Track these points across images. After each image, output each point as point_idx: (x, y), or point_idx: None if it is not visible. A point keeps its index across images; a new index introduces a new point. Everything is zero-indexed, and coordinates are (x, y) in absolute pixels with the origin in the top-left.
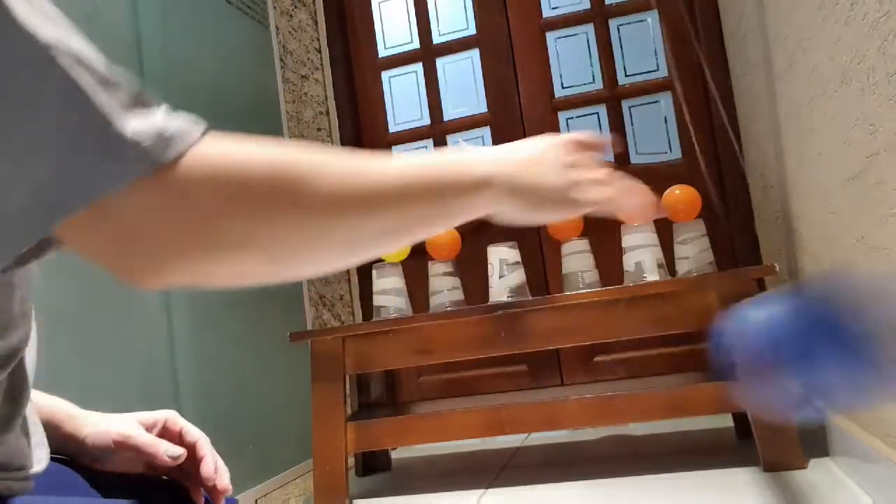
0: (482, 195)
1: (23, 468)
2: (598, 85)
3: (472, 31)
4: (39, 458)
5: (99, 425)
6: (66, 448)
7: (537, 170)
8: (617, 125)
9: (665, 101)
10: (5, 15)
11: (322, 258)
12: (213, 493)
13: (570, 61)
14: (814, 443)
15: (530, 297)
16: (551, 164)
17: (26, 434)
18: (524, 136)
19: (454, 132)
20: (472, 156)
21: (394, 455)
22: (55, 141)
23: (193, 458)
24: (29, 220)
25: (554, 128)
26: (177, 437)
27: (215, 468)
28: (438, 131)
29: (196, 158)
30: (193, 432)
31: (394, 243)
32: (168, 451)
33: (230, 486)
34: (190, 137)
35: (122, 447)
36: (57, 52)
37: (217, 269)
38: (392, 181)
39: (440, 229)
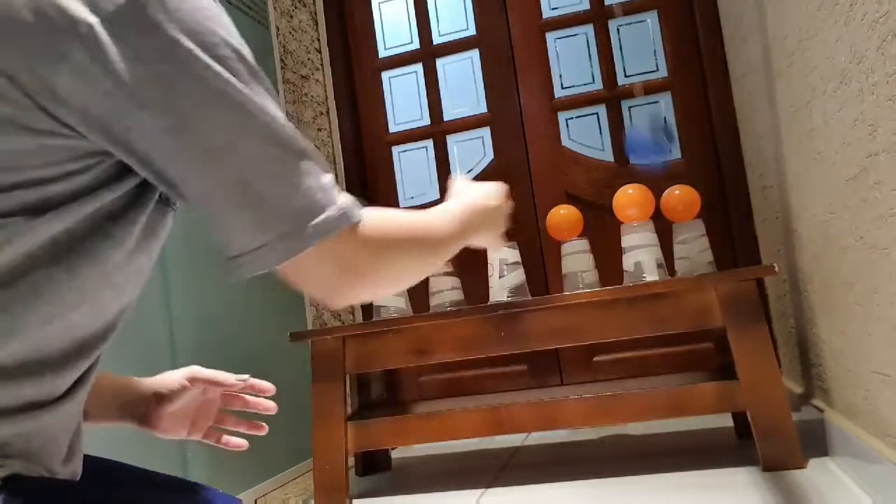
0: (475, 238)
1: (50, 471)
2: (598, 85)
3: (472, 31)
4: (73, 469)
5: (156, 379)
6: (129, 406)
7: (491, 214)
8: (616, 125)
9: (665, 101)
10: (271, 122)
11: (416, 278)
12: (249, 426)
13: (570, 62)
14: (813, 442)
15: (530, 297)
16: (500, 210)
17: (76, 433)
18: (524, 136)
19: (454, 132)
20: (468, 210)
21: (394, 455)
22: (296, 198)
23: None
24: (267, 254)
25: (554, 128)
26: (184, 388)
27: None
28: (438, 131)
29: (370, 221)
30: (207, 373)
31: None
32: (230, 377)
33: (269, 385)
34: (362, 207)
35: (195, 381)
36: (299, 145)
37: (385, 289)
38: (449, 232)
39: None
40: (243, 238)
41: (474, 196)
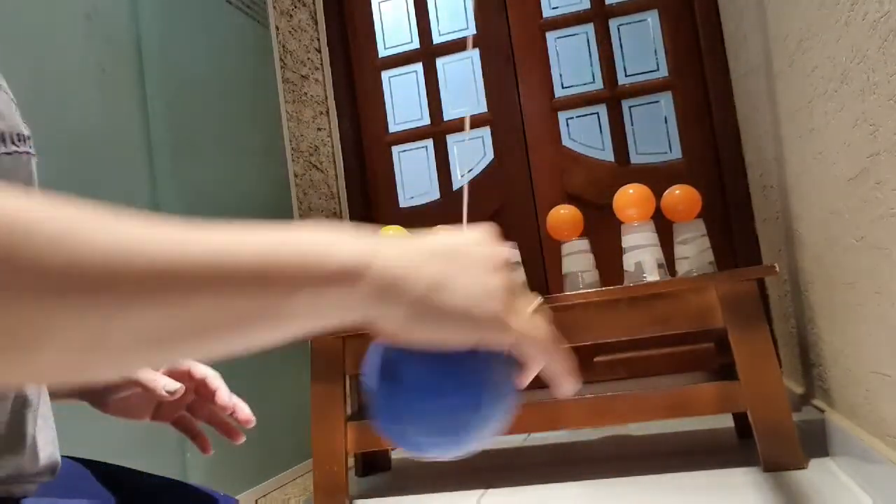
0: (344, 292)
1: (26, 475)
2: (599, 85)
3: (472, 30)
4: (47, 457)
5: None
6: (85, 393)
7: (454, 270)
8: (617, 125)
9: (665, 100)
10: None
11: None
12: (226, 428)
13: (570, 61)
14: (814, 443)
15: None
16: (477, 268)
17: (34, 446)
18: (524, 136)
19: (454, 132)
20: (341, 236)
21: (394, 455)
22: None
23: (204, 397)
24: None
25: (554, 128)
26: (185, 376)
27: (230, 399)
28: (438, 131)
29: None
30: (201, 368)
31: (179, 353)
32: (166, 385)
33: (252, 417)
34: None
35: (129, 383)
36: None
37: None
38: (191, 258)
39: (273, 337)
40: None
41: (408, 239)
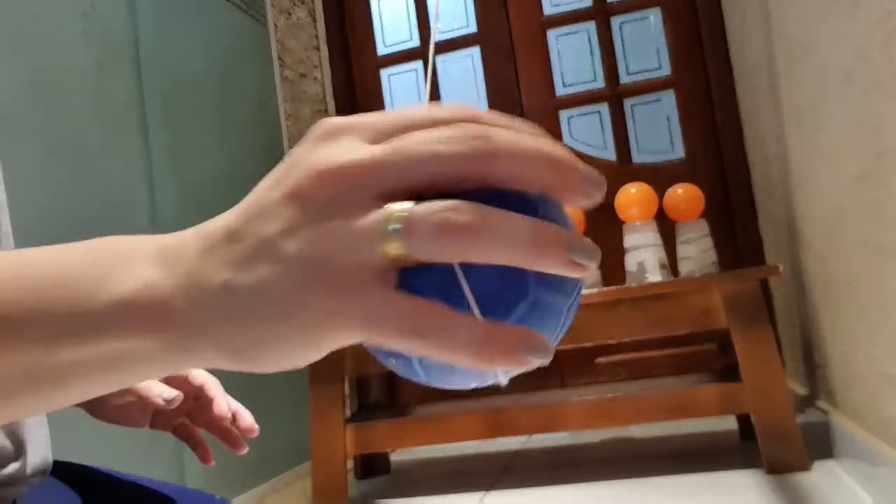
0: (136, 345)
1: (18, 478)
2: (600, 83)
3: (473, 28)
4: (40, 458)
5: None
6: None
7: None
8: (619, 123)
9: (667, 99)
10: None
11: None
12: (228, 437)
13: (572, 59)
14: (818, 445)
15: None
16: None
17: (24, 449)
18: None
19: None
20: (125, 257)
21: (393, 457)
22: None
23: (204, 404)
24: None
25: (556, 126)
26: (184, 383)
27: (229, 408)
28: None
29: None
30: (200, 374)
31: None
32: (162, 393)
33: (255, 426)
34: None
35: (123, 391)
36: None
37: None
38: None
39: (48, 405)
40: None
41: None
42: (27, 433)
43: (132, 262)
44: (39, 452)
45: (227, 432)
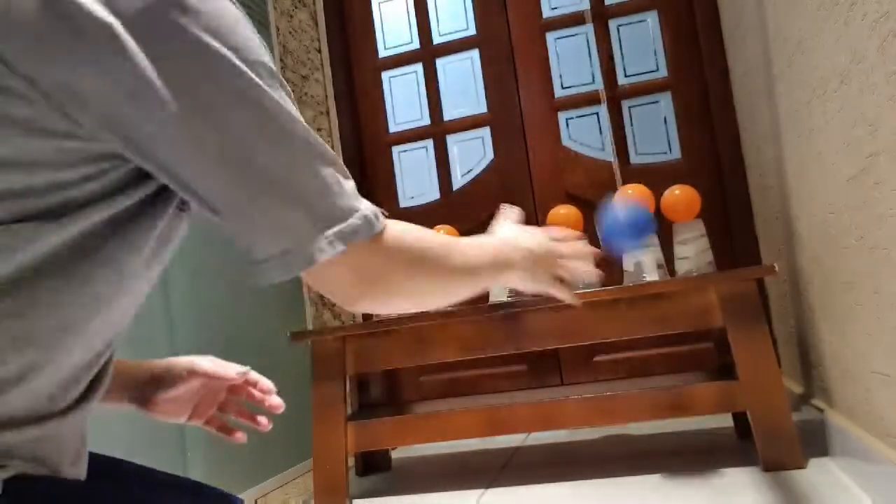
0: (510, 274)
1: (57, 473)
2: (598, 85)
3: (472, 31)
4: (79, 471)
5: (160, 363)
6: (128, 387)
7: (536, 259)
8: (617, 125)
9: (665, 101)
10: (294, 126)
11: (439, 301)
12: (253, 418)
13: (570, 61)
14: (814, 443)
15: (530, 297)
16: (544, 256)
17: (81, 437)
18: (524, 136)
19: (454, 132)
20: (506, 245)
21: (394, 455)
22: (319, 204)
23: (236, 392)
24: (292, 260)
25: (554, 128)
26: (223, 379)
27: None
28: (438, 131)
29: (391, 232)
30: (236, 368)
31: (465, 294)
32: (236, 368)
33: (282, 403)
34: (384, 217)
35: (193, 375)
36: (321, 150)
37: (402, 304)
38: (478, 260)
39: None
40: (267, 243)
41: (517, 237)
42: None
43: (511, 250)
44: (82, 471)
45: (251, 415)
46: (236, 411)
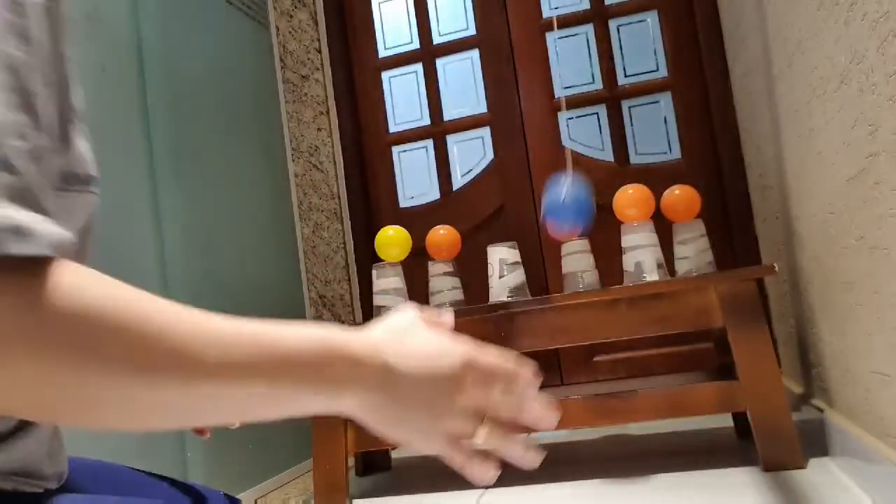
0: (341, 398)
1: (40, 477)
2: (598, 85)
3: (472, 31)
4: (60, 468)
5: None
6: None
7: (422, 396)
8: (616, 125)
9: (665, 101)
10: None
11: (151, 421)
12: None
13: (570, 61)
14: (813, 443)
15: (530, 297)
16: (445, 395)
17: (56, 437)
18: (524, 136)
19: (454, 132)
20: (351, 346)
21: (393, 455)
22: None
23: None
24: None
25: (554, 128)
26: None
27: None
28: (438, 131)
29: (68, 276)
30: None
31: (230, 417)
32: None
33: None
34: (63, 251)
35: None
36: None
37: (59, 412)
38: (260, 358)
39: (280, 413)
40: None
41: (407, 334)
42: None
43: (355, 359)
44: (60, 454)
45: None
46: None
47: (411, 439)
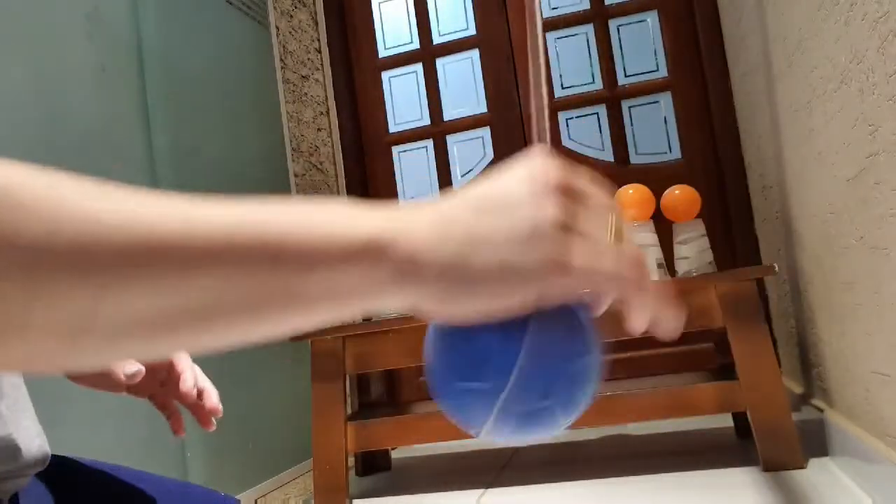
0: (364, 273)
1: (12, 471)
2: (598, 85)
3: (472, 31)
4: (35, 448)
5: None
6: None
7: (486, 221)
8: (617, 125)
9: (665, 101)
10: None
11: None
12: (198, 412)
13: (570, 61)
14: (813, 443)
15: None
16: (517, 208)
17: (13, 440)
18: (524, 136)
19: (454, 132)
20: (360, 210)
21: (393, 455)
22: None
23: (175, 378)
24: None
25: (554, 128)
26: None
27: (195, 384)
28: (438, 131)
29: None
30: (188, 380)
31: (184, 343)
32: (124, 368)
33: (220, 407)
34: None
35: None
36: None
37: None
38: (194, 232)
39: (284, 324)
40: None
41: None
42: (16, 423)
43: (369, 215)
44: (34, 443)
45: (196, 407)
46: (178, 396)
47: (503, 293)
